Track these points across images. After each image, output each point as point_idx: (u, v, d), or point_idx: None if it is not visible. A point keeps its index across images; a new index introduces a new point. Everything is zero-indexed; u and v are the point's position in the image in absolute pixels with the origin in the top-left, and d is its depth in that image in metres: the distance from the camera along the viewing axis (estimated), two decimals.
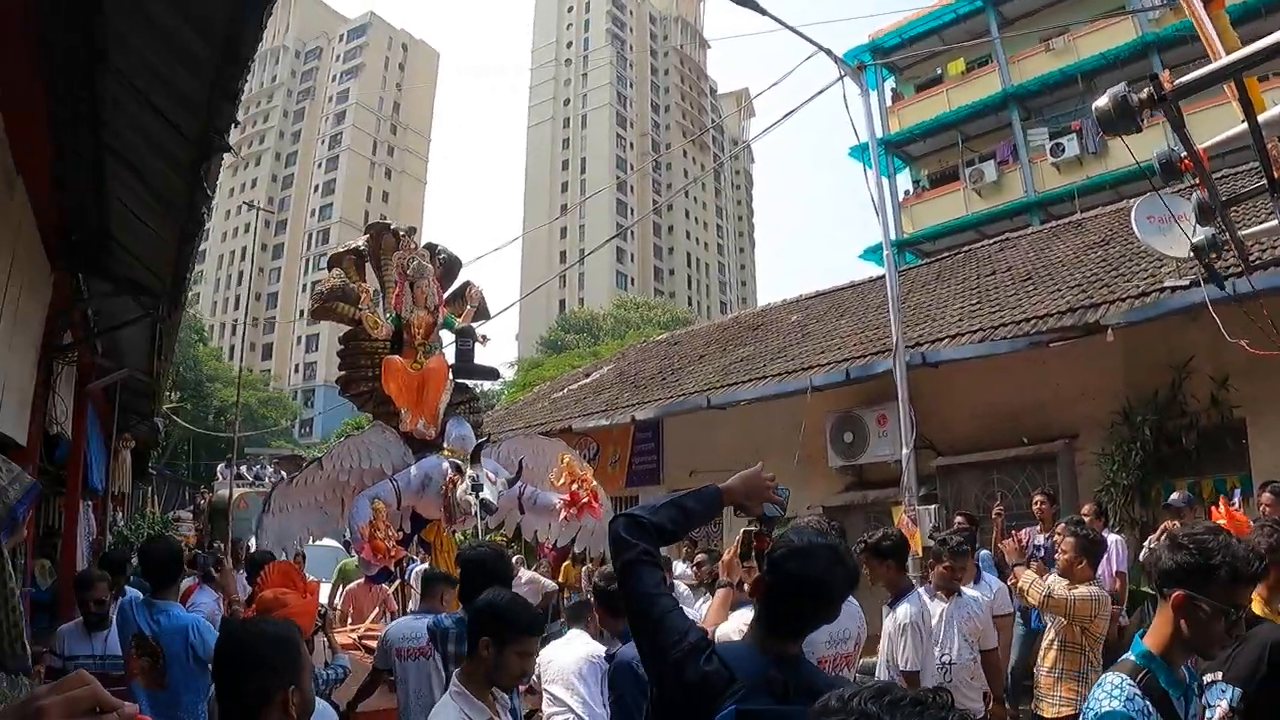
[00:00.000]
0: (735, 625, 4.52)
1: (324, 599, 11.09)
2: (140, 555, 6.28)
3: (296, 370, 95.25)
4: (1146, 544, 8.11)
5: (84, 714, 1.21)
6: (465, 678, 3.75)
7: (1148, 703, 2.58)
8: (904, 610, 5.59)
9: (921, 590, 6.02)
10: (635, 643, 2.80)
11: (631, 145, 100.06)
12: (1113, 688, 2.65)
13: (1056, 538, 6.34)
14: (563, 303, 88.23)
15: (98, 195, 6.84)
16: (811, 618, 2.60)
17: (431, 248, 9.45)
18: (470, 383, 9.74)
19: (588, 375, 24.45)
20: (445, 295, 9.30)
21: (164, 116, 5.10)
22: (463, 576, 5.02)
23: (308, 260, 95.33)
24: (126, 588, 6.95)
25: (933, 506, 10.50)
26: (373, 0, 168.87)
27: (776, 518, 3.92)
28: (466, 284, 9.58)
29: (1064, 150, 27.15)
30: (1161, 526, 7.79)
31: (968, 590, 6.57)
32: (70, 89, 5.50)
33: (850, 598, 4.53)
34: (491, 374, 11.25)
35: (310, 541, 8.63)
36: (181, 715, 5.07)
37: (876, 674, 5.70)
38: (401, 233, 9.03)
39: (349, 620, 9.34)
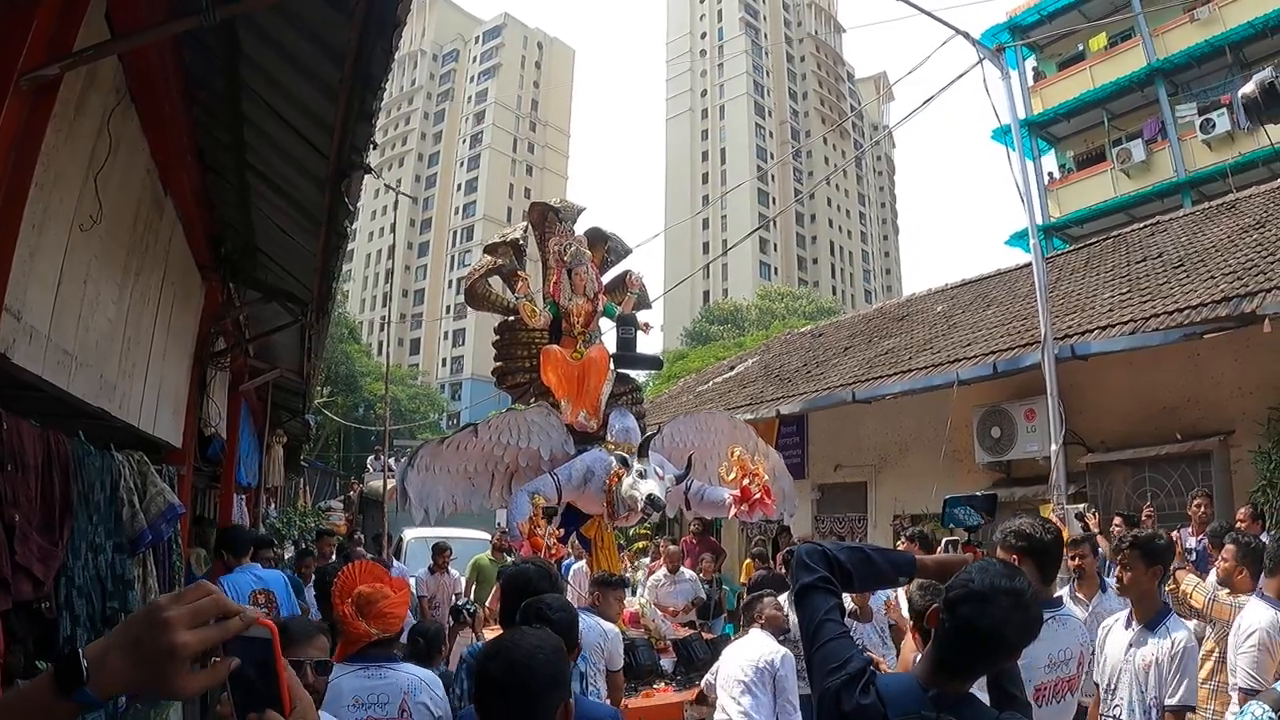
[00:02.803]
0: None
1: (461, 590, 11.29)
2: (221, 534, 8.35)
3: (444, 364, 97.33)
4: None
5: (208, 623, 1.18)
6: None
7: None
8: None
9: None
10: (805, 664, 2.70)
11: (771, 134, 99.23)
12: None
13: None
14: (706, 294, 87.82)
15: (244, 211, 7.23)
16: (981, 664, 2.45)
17: (599, 233, 9.32)
18: (632, 373, 9.54)
19: (732, 368, 24.43)
20: (605, 282, 9.10)
21: (303, 137, 5.28)
22: (503, 595, 4.66)
23: (453, 257, 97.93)
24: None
25: (1082, 505, 10.20)
26: (507, 2, 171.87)
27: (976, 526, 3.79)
28: (627, 272, 9.37)
29: (1214, 126, 25.79)
30: None
31: None
32: (213, 115, 5.85)
33: (1070, 612, 4.29)
34: (655, 363, 10.81)
35: (454, 510, 8.02)
36: None
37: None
38: (561, 215, 8.83)
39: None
